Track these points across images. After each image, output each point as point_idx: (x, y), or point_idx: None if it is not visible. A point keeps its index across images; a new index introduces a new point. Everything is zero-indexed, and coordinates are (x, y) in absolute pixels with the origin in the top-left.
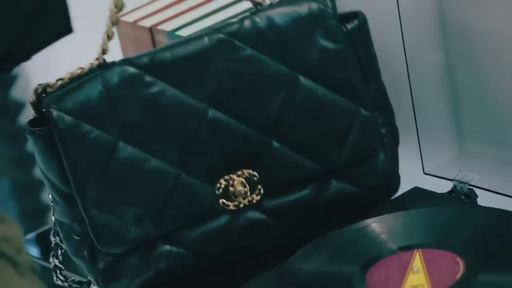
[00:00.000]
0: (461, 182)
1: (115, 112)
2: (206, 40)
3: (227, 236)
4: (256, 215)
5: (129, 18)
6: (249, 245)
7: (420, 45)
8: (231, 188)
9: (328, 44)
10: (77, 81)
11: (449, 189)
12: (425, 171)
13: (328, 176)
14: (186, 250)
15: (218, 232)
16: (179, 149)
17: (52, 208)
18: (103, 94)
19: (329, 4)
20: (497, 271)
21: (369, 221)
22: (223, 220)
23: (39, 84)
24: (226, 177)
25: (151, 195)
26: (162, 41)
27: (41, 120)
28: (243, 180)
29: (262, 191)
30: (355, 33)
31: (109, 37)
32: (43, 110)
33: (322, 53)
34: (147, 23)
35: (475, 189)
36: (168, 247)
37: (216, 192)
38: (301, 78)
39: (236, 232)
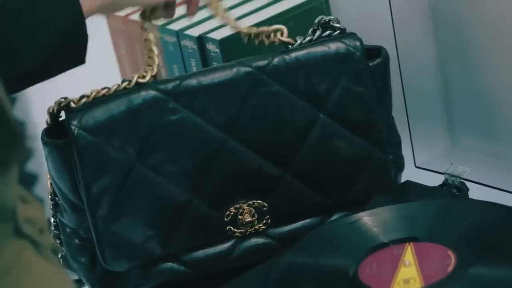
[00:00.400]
0: (453, 176)
1: (136, 134)
2: (234, 71)
3: (229, 258)
4: (261, 240)
5: (121, 12)
6: (249, 263)
7: (412, 39)
8: (239, 217)
9: (353, 87)
10: (101, 100)
11: (441, 182)
12: (417, 165)
13: (334, 209)
14: (187, 268)
15: (221, 255)
16: (194, 176)
17: (52, 209)
18: (126, 115)
19: (358, 45)
20: (488, 264)
21: (361, 214)
22: (228, 244)
23: (64, 98)
24: (237, 205)
25: (161, 218)
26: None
27: (55, 130)
28: (253, 209)
29: (269, 220)
30: (377, 69)
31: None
32: (64, 123)
33: (346, 95)
34: (139, 17)
35: (466, 182)
36: (169, 264)
37: (225, 219)
38: (322, 116)
39: (239, 255)
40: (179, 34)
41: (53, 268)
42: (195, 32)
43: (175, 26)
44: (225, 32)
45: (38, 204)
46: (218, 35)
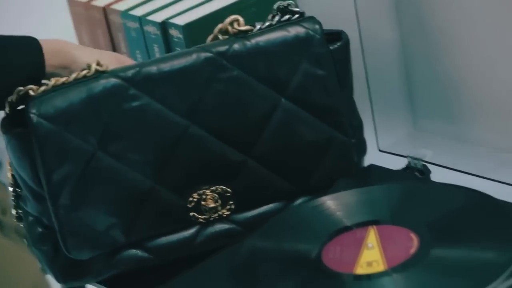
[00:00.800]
0: (415, 159)
1: (96, 122)
2: (194, 57)
3: (193, 244)
4: (225, 226)
5: None
6: (214, 248)
7: (374, 23)
8: (203, 203)
9: (314, 70)
10: (60, 88)
11: (404, 165)
12: (380, 148)
13: (298, 193)
14: (150, 255)
15: (185, 241)
16: (156, 163)
17: (13, 200)
18: (86, 103)
19: (318, 29)
20: (450, 246)
21: (324, 198)
22: (191, 231)
23: (22, 87)
24: (200, 192)
25: (124, 206)
26: (116, 20)
27: (15, 119)
28: (216, 195)
29: (233, 206)
30: (338, 53)
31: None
32: (24, 112)
33: (307, 78)
34: (101, 2)
35: (428, 165)
36: (133, 251)
37: (188, 205)
38: (284, 100)
39: (203, 241)
40: (142, 19)
41: (17, 247)
42: (158, 17)
43: (138, 12)
44: (189, 17)
45: (1, 186)
46: (181, 20)
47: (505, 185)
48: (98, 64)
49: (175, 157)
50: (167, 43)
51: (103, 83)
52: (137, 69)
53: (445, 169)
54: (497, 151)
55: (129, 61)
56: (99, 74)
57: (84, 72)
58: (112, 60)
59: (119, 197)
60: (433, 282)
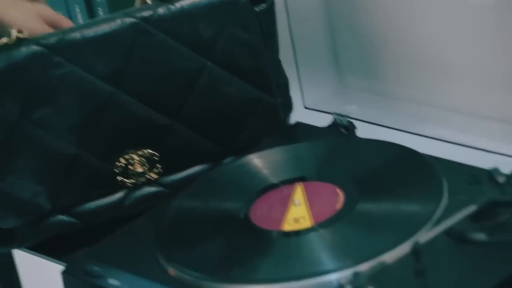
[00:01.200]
0: (340, 115)
1: (19, 90)
2: (118, 22)
3: (121, 207)
4: (153, 189)
5: None
6: (141, 211)
7: None
8: (130, 167)
9: (239, 33)
10: None
11: (329, 122)
12: (306, 106)
13: (226, 154)
14: (77, 220)
15: (113, 205)
16: (81, 129)
17: None
18: (7, 72)
19: None
20: (375, 199)
21: (250, 157)
22: (119, 195)
23: None
24: (127, 156)
25: (49, 173)
26: None
27: None
28: (143, 159)
29: (161, 169)
30: (263, 15)
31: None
32: None
33: (232, 41)
34: None
35: (353, 121)
36: (60, 217)
37: (115, 170)
38: (210, 64)
39: (131, 204)
40: None
41: None
42: None
43: None
44: None
45: None
46: None
47: (428, 138)
48: (19, 31)
49: (100, 123)
50: (89, 4)
51: (25, 51)
52: (60, 36)
53: (370, 124)
54: (419, 106)
55: (52, 15)
56: (21, 41)
57: (5, 40)
58: (34, 19)
59: (44, 165)
60: (359, 236)
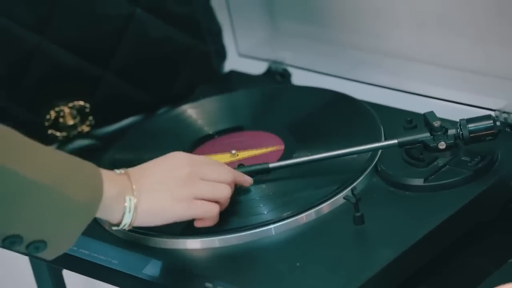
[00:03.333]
0: (276, 62)
1: None
2: None
3: None
4: (85, 142)
5: None
6: None
7: None
8: (61, 120)
9: None
10: None
11: (264, 70)
12: (240, 53)
13: (159, 104)
14: None
15: None
16: (8, 81)
17: None
18: None
19: None
20: (312, 148)
21: (185, 107)
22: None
23: None
24: (57, 108)
25: None
26: None
27: None
28: (74, 111)
29: (93, 121)
30: None
31: None
32: None
33: None
34: None
35: (289, 68)
36: None
37: (46, 123)
38: (139, 11)
39: None
40: None
41: None
42: None
43: None
44: None
45: None
46: None
47: (363, 84)
48: None
49: (28, 74)
50: None
51: None
52: None
53: (306, 71)
54: (355, 51)
55: None
56: None
57: None
58: None
59: None
60: (298, 183)
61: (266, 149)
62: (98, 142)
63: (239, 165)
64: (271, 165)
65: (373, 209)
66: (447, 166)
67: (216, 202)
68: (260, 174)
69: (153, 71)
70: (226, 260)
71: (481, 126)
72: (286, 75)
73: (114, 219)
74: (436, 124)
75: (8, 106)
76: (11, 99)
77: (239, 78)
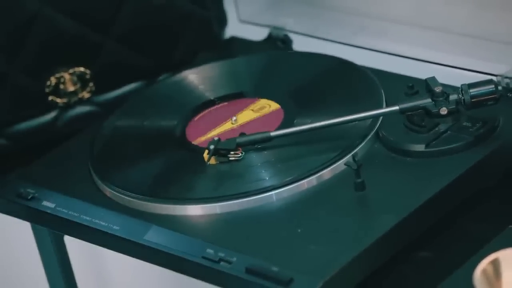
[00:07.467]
0: (276, 28)
1: None
2: None
3: (53, 128)
4: (86, 108)
5: None
6: (74, 131)
7: None
8: (61, 86)
9: None
10: None
11: (265, 36)
12: (241, 19)
13: (160, 71)
14: (8, 141)
15: (45, 126)
16: (8, 47)
17: None
18: None
19: None
20: (314, 113)
21: (186, 73)
22: (51, 115)
23: None
24: (57, 74)
25: None
26: None
27: None
28: (75, 77)
29: (93, 88)
30: None
31: None
32: None
33: None
34: None
35: (290, 34)
36: None
37: (46, 89)
38: None
39: (64, 124)
40: None
41: None
42: None
43: None
44: None
45: None
46: None
47: (365, 50)
48: None
49: (28, 40)
50: None
51: None
52: None
53: (307, 37)
54: (356, 17)
55: None
56: None
57: None
58: None
59: None
60: (300, 149)
61: (265, 116)
62: (99, 108)
63: (240, 134)
64: (272, 134)
65: (375, 175)
66: (449, 131)
67: None
68: (261, 143)
69: (153, 37)
70: (227, 226)
71: (483, 91)
72: (287, 41)
73: None
74: (438, 89)
75: (8, 72)
76: (11, 65)
77: (240, 44)
